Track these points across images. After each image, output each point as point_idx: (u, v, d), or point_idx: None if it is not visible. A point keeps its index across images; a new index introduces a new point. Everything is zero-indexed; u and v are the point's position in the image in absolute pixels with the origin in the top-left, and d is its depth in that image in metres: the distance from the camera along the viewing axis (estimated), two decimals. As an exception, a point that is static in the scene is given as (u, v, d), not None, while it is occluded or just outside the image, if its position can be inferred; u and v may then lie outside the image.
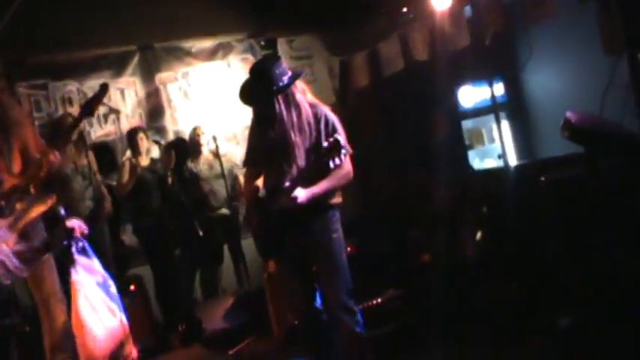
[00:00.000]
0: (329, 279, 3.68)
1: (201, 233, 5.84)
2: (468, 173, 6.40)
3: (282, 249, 3.73)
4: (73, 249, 4.08)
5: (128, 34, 6.67)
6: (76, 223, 4.20)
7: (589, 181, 4.16)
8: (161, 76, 6.97)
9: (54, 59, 6.44)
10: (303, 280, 3.80)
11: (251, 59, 7.39)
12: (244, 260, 6.38)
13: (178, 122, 6.99)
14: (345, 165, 3.57)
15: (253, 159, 3.88)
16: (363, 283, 4.03)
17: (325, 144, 3.39)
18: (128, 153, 6.24)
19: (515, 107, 7.61)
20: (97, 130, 6.62)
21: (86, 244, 4.14)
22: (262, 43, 7.53)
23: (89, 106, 4.30)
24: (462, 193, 5.09)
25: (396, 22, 6.35)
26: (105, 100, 6.54)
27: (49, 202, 4.10)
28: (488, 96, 6.10)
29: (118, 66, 6.74)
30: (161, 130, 6.87)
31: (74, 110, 6.46)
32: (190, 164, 6.55)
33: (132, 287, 5.21)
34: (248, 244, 6.63)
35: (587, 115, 4.58)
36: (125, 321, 4.19)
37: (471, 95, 7.27)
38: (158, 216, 6.15)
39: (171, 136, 6.91)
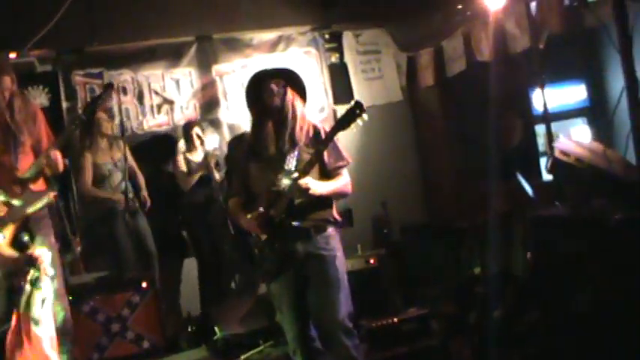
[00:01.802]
0: (329, 297, 3.42)
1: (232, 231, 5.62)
2: (536, 182, 5.88)
3: (284, 270, 3.49)
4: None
5: (186, 25, 6.54)
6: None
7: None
8: (218, 68, 6.78)
9: (110, 48, 6.38)
10: (295, 303, 3.51)
11: (314, 53, 7.16)
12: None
13: (233, 115, 6.78)
14: (347, 176, 3.57)
15: (243, 187, 3.70)
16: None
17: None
18: (182, 145, 6.10)
19: (597, 112, 7.02)
20: (150, 120, 6.51)
21: None
22: (326, 36, 7.26)
23: (92, 106, 4.22)
24: (516, 204, 4.62)
25: (457, 19, 5.91)
26: (159, 90, 6.59)
27: (47, 199, 4.04)
28: (568, 99, 5.66)
29: (174, 56, 6.62)
30: (215, 123, 6.68)
31: (127, 100, 6.46)
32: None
33: (144, 285, 5.08)
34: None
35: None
36: None
37: (549, 98, 6.77)
38: (206, 211, 6.02)
39: (225, 129, 6.71)
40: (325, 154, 3.44)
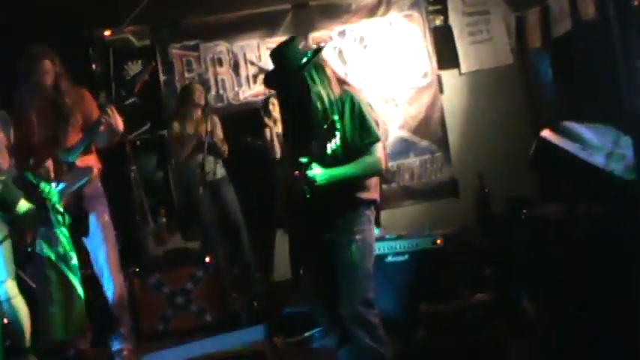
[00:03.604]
0: (344, 286, 3.21)
1: None
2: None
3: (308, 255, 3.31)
4: None
5: (282, -7, 6.45)
6: None
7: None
8: (315, 36, 6.62)
9: (206, 20, 6.42)
10: (325, 286, 3.32)
11: (416, 16, 6.82)
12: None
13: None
14: (374, 152, 3.21)
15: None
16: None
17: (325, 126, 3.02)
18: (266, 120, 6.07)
19: None
20: (246, 91, 6.51)
21: None
22: (430, -2, 6.89)
23: (130, 85, 4.21)
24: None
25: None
26: (254, 60, 6.56)
27: (89, 175, 4.18)
28: None
29: (269, 25, 6.54)
30: (311, 92, 6.55)
31: (223, 71, 6.48)
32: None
33: (207, 259, 5.15)
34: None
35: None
36: None
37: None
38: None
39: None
40: (349, 130, 3.18)
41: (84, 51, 6.22)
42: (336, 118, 3.02)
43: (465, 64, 6.92)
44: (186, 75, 6.42)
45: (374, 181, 3.34)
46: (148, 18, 6.01)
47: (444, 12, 6.94)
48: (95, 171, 4.31)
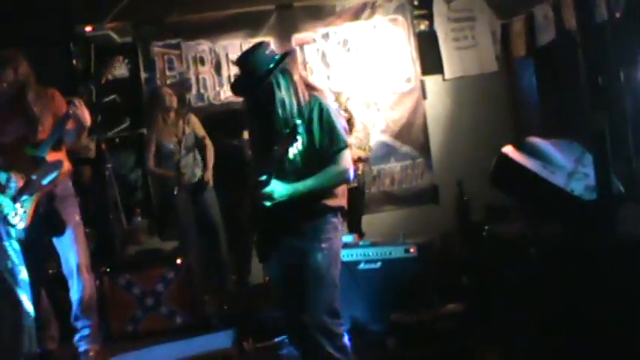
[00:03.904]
0: (308, 294, 3.14)
1: None
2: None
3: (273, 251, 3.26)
4: None
5: (266, -6, 6.40)
6: None
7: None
8: (298, 37, 6.58)
9: (189, 19, 6.38)
10: (289, 294, 3.26)
11: (401, 20, 6.78)
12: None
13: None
14: (341, 161, 3.14)
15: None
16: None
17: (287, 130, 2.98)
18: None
19: None
20: (227, 91, 6.41)
21: None
22: (416, 2, 6.83)
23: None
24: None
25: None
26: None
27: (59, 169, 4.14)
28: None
29: (253, 25, 6.49)
30: (293, 94, 6.50)
31: (205, 70, 6.43)
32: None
33: (178, 261, 5.10)
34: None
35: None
36: None
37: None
38: None
39: (303, 100, 6.55)
40: (318, 136, 3.11)
41: (65, 46, 6.19)
42: (298, 122, 2.97)
43: (449, 70, 6.89)
44: (168, 73, 6.37)
45: (341, 188, 3.27)
46: (131, 15, 5.98)
47: (429, 17, 6.90)
48: (65, 167, 4.25)
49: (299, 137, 2.94)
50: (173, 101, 5.74)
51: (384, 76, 6.72)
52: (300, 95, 3.16)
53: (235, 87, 3.55)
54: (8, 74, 4.15)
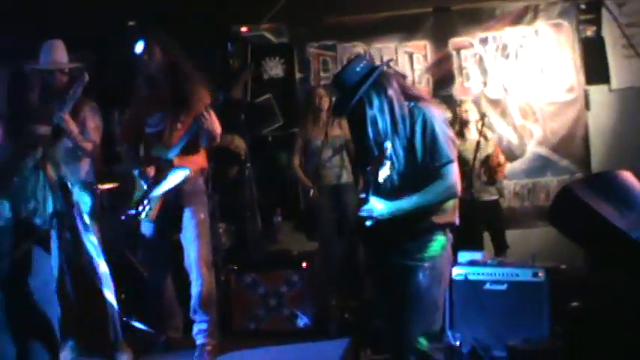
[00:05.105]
0: (407, 314, 2.96)
1: None
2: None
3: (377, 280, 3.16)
4: None
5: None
6: None
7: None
8: (455, 41, 6.43)
9: (345, 20, 6.42)
10: (389, 313, 3.10)
11: (565, 25, 6.40)
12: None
13: (468, 92, 6.38)
14: (447, 176, 2.91)
15: None
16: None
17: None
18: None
19: None
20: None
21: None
22: (582, 6, 6.42)
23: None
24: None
25: None
26: (391, 64, 6.42)
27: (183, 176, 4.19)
28: None
29: (408, 28, 6.42)
30: (447, 100, 6.28)
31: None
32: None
33: (303, 265, 5.11)
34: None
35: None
36: None
37: None
38: None
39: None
40: (420, 151, 2.91)
41: (223, 46, 6.40)
42: (387, 145, 2.89)
43: (617, 80, 6.40)
44: (322, 74, 6.46)
45: (452, 203, 3.04)
46: (286, 16, 6.10)
47: (597, 22, 6.49)
48: (198, 166, 4.31)
49: (386, 161, 2.87)
50: (325, 102, 5.71)
51: (543, 85, 6.38)
52: (397, 110, 2.93)
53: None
54: (155, 50, 4.17)
